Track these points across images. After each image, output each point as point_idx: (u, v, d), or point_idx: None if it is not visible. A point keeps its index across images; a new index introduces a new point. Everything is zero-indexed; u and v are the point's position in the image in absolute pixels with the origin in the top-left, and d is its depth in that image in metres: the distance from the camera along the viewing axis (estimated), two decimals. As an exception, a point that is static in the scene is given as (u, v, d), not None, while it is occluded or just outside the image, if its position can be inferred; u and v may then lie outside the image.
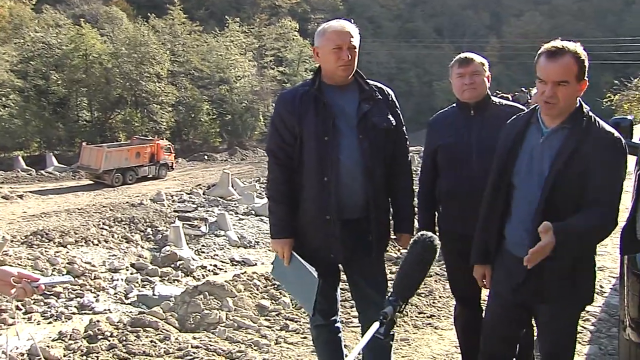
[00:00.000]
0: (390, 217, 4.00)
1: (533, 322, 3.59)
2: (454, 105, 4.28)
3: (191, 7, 64.33)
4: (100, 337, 6.01)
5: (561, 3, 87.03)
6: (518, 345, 3.72)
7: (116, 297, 14.72)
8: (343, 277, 4.07)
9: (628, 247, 3.51)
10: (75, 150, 43.21)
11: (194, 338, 6.02)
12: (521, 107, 4.12)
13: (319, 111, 3.64)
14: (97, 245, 18.65)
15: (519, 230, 3.27)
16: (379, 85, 3.91)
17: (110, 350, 5.68)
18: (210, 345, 5.74)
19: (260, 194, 28.90)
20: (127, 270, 17.05)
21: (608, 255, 8.28)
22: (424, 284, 6.89)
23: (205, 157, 48.38)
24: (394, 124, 3.80)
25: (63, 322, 12.04)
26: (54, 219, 22.50)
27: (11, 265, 13.63)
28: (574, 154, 3.05)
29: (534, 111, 3.33)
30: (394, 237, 4.01)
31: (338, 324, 4.12)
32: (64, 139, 47.23)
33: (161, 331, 6.08)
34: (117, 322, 6.68)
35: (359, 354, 2.28)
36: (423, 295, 6.93)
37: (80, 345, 5.88)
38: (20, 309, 12.34)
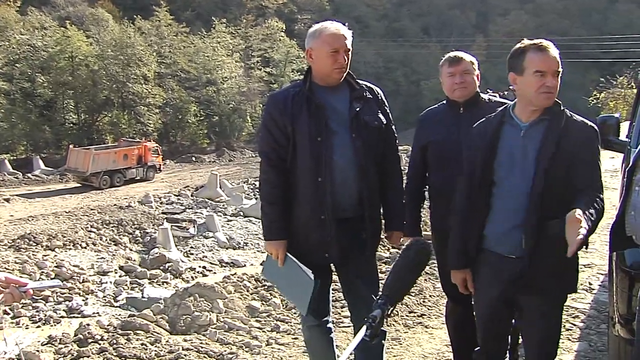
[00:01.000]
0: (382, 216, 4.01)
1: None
2: (444, 102, 4.32)
3: (177, 9, 64.24)
4: (90, 340, 5.97)
5: (546, 2, 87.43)
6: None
7: (105, 300, 14.69)
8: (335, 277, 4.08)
9: (617, 244, 3.52)
10: (62, 153, 43.07)
11: (185, 340, 6.00)
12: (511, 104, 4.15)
13: (312, 112, 3.64)
14: (85, 248, 18.60)
15: (504, 227, 3.30)
16: (369, 84, 3.93)
17: (101, 354, 5.65)
18: (202, 347, 5.73)
19: (248, 195, 28.91)
20: (116, 273, 17.01)
21: (596, 252, 8.33)
22: (415, 283, 6.89)
23: (193, 158, 48.31)
24: (385, 122, 3.82)
25: (52, 326, 12.00)
26: (42, 222, 22.39)
27: (-1, 270, 13.58)
28: (559, 144, 3.14)
29: (505, 110, 3.40)
30: (384, 235, 4.01)
31: (330, 325, 4.12)
32: (51, 141, 47.06)
33: (152, 334, 6.06)
34: (108, 325, 6.63)
35: (350, 354, 2.29)
36: (413, 294, 6.94)
37: (71, 349, 5.85)
38: (8, 314, 12.28)
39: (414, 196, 4.36)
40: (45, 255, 17.02)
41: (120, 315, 11.65)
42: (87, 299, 14.48)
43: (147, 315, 6.58)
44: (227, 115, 57.16)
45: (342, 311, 6.33)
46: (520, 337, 3.95)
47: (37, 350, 6.12)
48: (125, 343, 5.82)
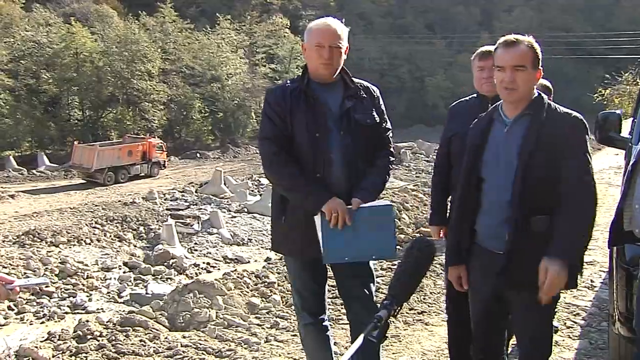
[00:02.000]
0: None
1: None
2: (475, 95, 4.33)
3: (182, 5, 64.12)
4: (89, 337, 5.97)
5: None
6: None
7: (109, 296, 14.72)
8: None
9: (615, 238, 3.54)
10: (67, 150, 43.04)
11: (184, 337, 6.00)
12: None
13: (310, 108, 3.67)
14: (89, 244, 18.63)
15: (491, 222, 3.31)
16: (365, 83, 3.93)
17: (100, 350, 5.66)
18: (200, 344, 5.72)
19: (252, 191, 28.90)
20: (120, 269, 17.05)
21: (599, 249, 8.31)
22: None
23: (198, 155, 48.30)
24: (377, 121, 3.81)
25: (56, 321, 12.03)
26: (46, 218, 22.45)
27: (3, 266, 13.62)
28: (540, 138, 3.16)
29: (495, 108, 3.43)
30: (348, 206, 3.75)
31: (326, 322, 4.11)
32: (56, 138, 47.05)
33: (151, 330, 6.05)
34: (107, 322, 6.64)
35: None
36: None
37: (69, 346, 5.85)
38: (13, 309, 12.32)
39: (437, 188, 4.44)
40: (49, 252, 17.06)
41: (124, 311, 11.68)
42: (91, 295, 14.51)
43: (147, 311, 6.59)
44: (232, 111, 57.10)
45: (341, 308, 6.32)
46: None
47: (36, 347, 6.12)
48: (124, 339, 5.82)
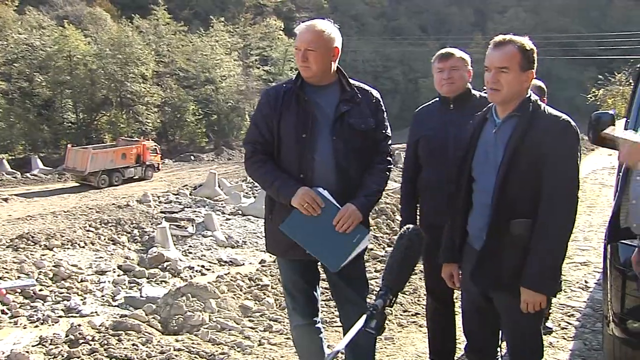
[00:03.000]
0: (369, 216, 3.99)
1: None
2: (437, 99, 4.34)
3: (175, 7, 64.14)
4: (81, 341, 5.93)
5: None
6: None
7: (103, 299, 14.66)
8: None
9: (613, 235, 3.55)
10: (60, 153, 43.04)
11: (177, 340, 5.96)
12: None
13: (300, 109, 3.66)
14: (83, 247, 18.56)
15: (480, 223, 3.32)
16: (364, 86, 3.90)
17: (92, 355, 5.61)
18: (193, 348, 5.69)
19: (247, 193, 28.87)
20: (114, 272, 16.97)
21: (593, 250, 8.33)
22: (409, 282, 6.87)
23: (192, 157, 48.31)
24: (374, 125, 3.77)
25: (50, 325, 11.96)
26: (40, 221, 22.38)
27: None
28: (523, 140, 3.15)
29: (489, 108, 3.43)
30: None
31: (319, 325, 4.08)
32: (49, 141, 47.03)
33: (143, 334, 6.02)
34: (99, 326, 6.59)
35: (341, 352, 2.27)
36: (407, 293, 6.92)
37: (61, 350, 5.80)
38: (6, 313, 12.26)
39: (407, 190, 4.43)
40: (43, 255, 16.98)
41: (118, 314, 11.63)
42: (85, 298, 14.44)
43: (139, 315, 6.56)
44: (226, 114, 57.15)
45: (335, 310, 6.30)
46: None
47: (27, 352, 6.08)
48: (117, 344, 5.78)
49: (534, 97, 3.30)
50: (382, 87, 62.11)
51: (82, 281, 15.49)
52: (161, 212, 24.31)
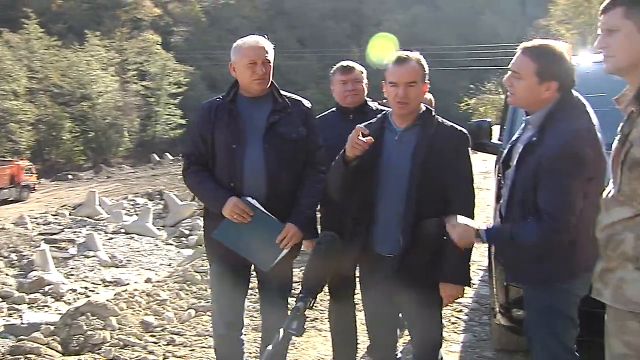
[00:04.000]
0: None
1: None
2: (334, 109, 4.51)
3: (48, 21, 61.83)
4: (-23, 371, 5.71)
5: (418, 12, 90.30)
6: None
7: (-19, 329, 13.97)
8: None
9: None
10: None
11: (79, 360, 5.85)
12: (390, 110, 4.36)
13: (231, 121, 3.81)
14: (-44, 274, 17.65)
15: (384, 227, 3.51)
16: (296, 97, 4.08)
17: (-12, 382, 5.43)
18: (96, 367, 5.61)
19: (128, 211, 28.28)
20: (-9, 300, 16.20)
21: (475, 249, 8.70)
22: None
23: (70, 176, 46.81)
24: (305, 134, 3.91)
25: None
26: None
27: None
28: (430, 148, 3.40)
29: (385, 116, 3.64)
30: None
31: (242, 337, 4.18)
32: None
33: (44, 357, 5.84)
34: (-5, 352, 6.35)
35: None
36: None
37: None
38: None
39: None
40: None
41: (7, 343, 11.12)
42: (-42, 329, 13.71)
43: (38, 338, 6.34)
44: (104, 130, 55.67)
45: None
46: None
47: None
48: (16, 369, 5.60)
49: (431, 108, 3.58)
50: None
51: (-44, 311, 14.72)
52: (40, 234, 23.48)
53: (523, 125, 3.50)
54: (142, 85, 61.10)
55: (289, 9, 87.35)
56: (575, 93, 3.24)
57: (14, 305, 15.58)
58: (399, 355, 3.86)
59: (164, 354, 5.93)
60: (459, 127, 3.57)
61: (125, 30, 67.90)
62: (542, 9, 68.33)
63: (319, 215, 4.57)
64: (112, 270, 19.81)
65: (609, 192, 2.66)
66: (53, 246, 21.00)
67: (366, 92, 4.53)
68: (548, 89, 3.17)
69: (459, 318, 6.46)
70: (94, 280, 18.57)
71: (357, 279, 3.93)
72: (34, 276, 17.49)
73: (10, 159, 40.42)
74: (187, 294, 7.90)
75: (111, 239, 23.19)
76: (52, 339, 6.23)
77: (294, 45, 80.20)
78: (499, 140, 6.14)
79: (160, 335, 6.46)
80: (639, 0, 2.48)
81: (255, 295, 6.34)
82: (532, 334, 3.37)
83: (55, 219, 26.79)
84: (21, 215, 26.90)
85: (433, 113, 3.56)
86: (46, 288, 16.84)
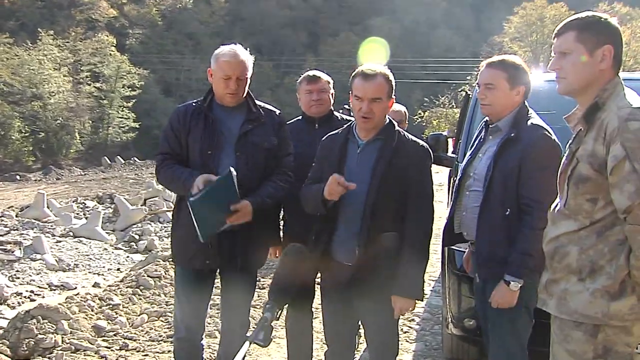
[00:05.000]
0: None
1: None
2: (300, 118, 4.58)
3: (-1, 18, 60.77)
4: None
5: (373, 25, 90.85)
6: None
7: None
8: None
9: (448, 240, 4.00)
10: None
11: (29, 365, 5.76)
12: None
13: (207, 127, 3.90)
14: None
15: (343, 236, 3.61)
16: (269, 108, 4.17)
17: None
18: (47, 371, 5.53)
19: (78, 214, 27.76)
20: None
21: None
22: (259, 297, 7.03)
23: (17, 177, 45.67)
24: (276, 143, 4.01)
25: None
26: None
27: None
28: (391, 162, 3.50)
29: (350, 128, 3.75)
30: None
31: (203, 341, 4.20)
32: None
33: (-8, 361, 5.75)
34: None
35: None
36: (258, 307, 7.07)
37: None
38: None
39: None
40: None
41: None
42: None
43: (-16, 342, 6.22)
44: (55, 131, 54.66)
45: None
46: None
47: None
48: (-38, 374, 5.48)
49: (394, 122, 3.67)
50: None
51: None
52: (-16, 236, 22.90)
53: (482, 135, 3.66)
54: (95, 87, 60.20)
55: (246, 16, 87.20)
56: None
57: (-45, 308, 15.21)
58: (357, 362, 3.94)
59: (117, 359, 5.90)
60: (422, 142, 3.67)
61: (80, 31, 66.77)
62: (497, 25, 69.66)
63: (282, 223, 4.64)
64: (59, 274, 19.36)
65: (556, 206, 2.78)
66: (-2, 248, 20.50)
67: (332, 101, 4.60)
68: (518, 93, 3.51)
69: (411, 327, 6.59)
70: (40, 284, 18.13)
71: (318, 286, 3.99)
72: (-22, 278, 17.09)
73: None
74: (140, 299, 7.84)
75: (59, 242, 22.66)
76: (1, 343, 6.11)
77: (251, 52, 79.95)
78: (454, 153, 6.28)
79: (113, 339, 6.41)
80: (589, 26, 2.64)
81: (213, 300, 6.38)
82: (491, 332, 3.51)
83: (1, 220, 26.09)
84: (-34, 215, 26.22)
85: (396, 127, 3.63)
86: (-10, 291, 16.49)
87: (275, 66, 77.51)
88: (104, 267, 20.35)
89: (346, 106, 5.23)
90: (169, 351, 5.83)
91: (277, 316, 2.62)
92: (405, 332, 6.39)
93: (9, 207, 29.79)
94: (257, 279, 4.36)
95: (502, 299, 3.39)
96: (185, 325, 4.09)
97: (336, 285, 3.63)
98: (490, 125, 3.65)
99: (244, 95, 3.98)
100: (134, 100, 60.66)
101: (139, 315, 7.27)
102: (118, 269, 19.56)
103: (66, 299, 7.56)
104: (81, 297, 7.57)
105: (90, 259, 20.51)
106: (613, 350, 2.60)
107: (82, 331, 6.43)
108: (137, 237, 24.29)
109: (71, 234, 23.77)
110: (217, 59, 3.94)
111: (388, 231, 3.48)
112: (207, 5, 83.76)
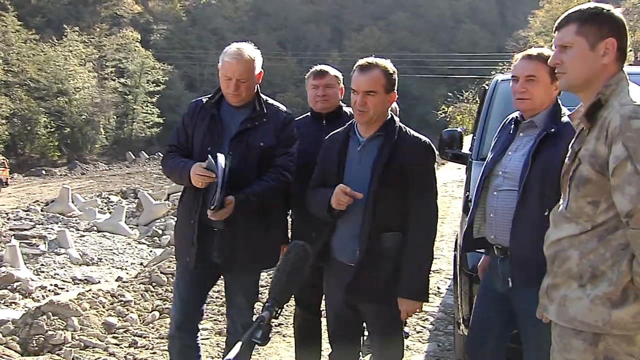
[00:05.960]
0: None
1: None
2: (309, 114, 4.49)
3: (26, 14, 61.35)
4: None
5: (398, 19, 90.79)
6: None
7: (-54, 325, 13.76)
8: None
9: (468, 245, 3.82)
10: None
11: (38, 361, 5.76)
12: None
13: (210, 123, 3.89)
14: None
15: (345, 236, 3.51)
16: (277, 106, 4.09)
17: (-58, 380, 5.33)
18: (55, 367, 5.53)
19: (102, 209, 28.01)
20: (-43, 296, 15.98)
21: (444, 258, 8.76)
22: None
23: (43, 172, 46.26)
24: (274, 143, 3.91)
25: None
26: None
27: None
28: (391, 159, 3.38)
29: (352, 125, 3.63)
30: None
31: (198, 340, 4.15)
32: None
33: (1, 357, 5.74)
34: (-49, 351, 6.21)
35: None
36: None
37: None
38: None
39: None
40: None
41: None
42: None
43: (-4, 337, 6.23)
44: (80, 126, 55.23)
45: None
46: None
47: None
48: (-28, 369, 5.49)
49: (395, 118, 3.54)
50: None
51: None
52: (10, 229, 23.14)
53: (508, 132, 3.52)
54: (120, 83, 60.78)
55: (270, 11, 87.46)
56: None
57: (-19, 302, 15.40)
58: (362, 364, 3.87)
59: (125, 356, 5.86)
60: (423, 138, 3.53)
61: (105, 27, 67.43)
62: (522, 20, 69.05)
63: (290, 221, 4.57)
64: (83, 268, 19.60)
65: (558, 208, 2.67)
66: (23, 242, 20.69)
67: (341, 97, 4.50)
68: (556, 88, 3.31)
69: (424, 327, 6.46)
70: (64, 278, 18.37)
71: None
72: (3, 272, 17.25)
73: (-18, 152, 39.97)
74: (152, 296, 7.82)
75: (83, 236, 22.93)
76: (11, 339, 6.12)
77: (275, 47, 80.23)
78: (470, 150, 6.14)
79: (122, 336, 6.39)
80: (590, 18, 2.52)
81: (220, 299, 6.43)
82: (529, 341, 3.34)
83: (27, 214, 26.44)
84: (-8, 209, 26.58)
85: (397, 123, 3.51)
86: (15, 284, 16.64)
87: (299, 62, 77.61)
88: (127, 261, 20.53)
89: None
90: (178, 349, 5.79)
91: (276, 315, 2.55)
92: (418, 332, 6.27)
93: (34, 202, 30.15)
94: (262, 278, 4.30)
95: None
96: (175, 322, 4.05)
97: (339, 285, 3.55)
98: (523, 121, 3.46)
99: (249, 95, 3.90)
100: (158, 96, 61.10)
101: (150, 312, 7.25)
102: (141, 264, 19.73)
103: (78, 295, 7.57)
104: (93, 293, 7.57)
105: (114, 253, 20.71)
106: None
107: (92, 328, 6.42)
108: (160, 231, 24.48)
109: (95, 228, 24.02)
110: (223, 57, 3.87)
111: (390, 230, 3.39)
112: (231, 1, 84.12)
